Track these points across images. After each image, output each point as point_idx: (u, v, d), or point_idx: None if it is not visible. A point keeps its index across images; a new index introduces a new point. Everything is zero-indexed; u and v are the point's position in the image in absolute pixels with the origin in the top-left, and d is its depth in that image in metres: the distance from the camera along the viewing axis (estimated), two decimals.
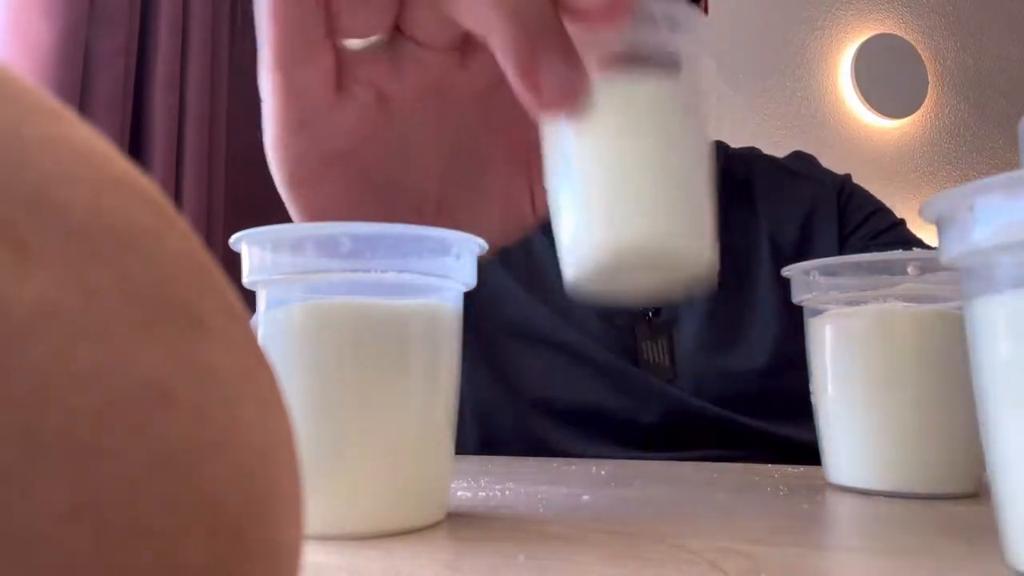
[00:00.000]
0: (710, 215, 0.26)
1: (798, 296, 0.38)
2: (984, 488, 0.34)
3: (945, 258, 0.22)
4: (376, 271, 0.26)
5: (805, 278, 0.38)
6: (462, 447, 0.59)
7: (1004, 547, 0.22)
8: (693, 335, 0.67)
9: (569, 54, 0.25)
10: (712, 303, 0.67)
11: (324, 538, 0.25)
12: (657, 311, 0.68)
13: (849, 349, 0.37)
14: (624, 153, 0.25)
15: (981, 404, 0.23)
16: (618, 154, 0.25)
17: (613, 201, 0.25)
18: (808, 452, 0.62)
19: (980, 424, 0.23)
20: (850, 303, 0.37)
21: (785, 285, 0.69)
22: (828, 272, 0.37)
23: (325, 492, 0.26)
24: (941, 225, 0.22)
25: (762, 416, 0.63)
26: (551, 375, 0.65)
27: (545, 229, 0.86)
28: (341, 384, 0.27)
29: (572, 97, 0.25)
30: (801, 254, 0.70)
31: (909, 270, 0.35)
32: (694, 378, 0.65)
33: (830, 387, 0.37)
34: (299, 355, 0.27)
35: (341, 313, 0.27)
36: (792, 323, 0.67)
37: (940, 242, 0.23)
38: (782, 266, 0.79)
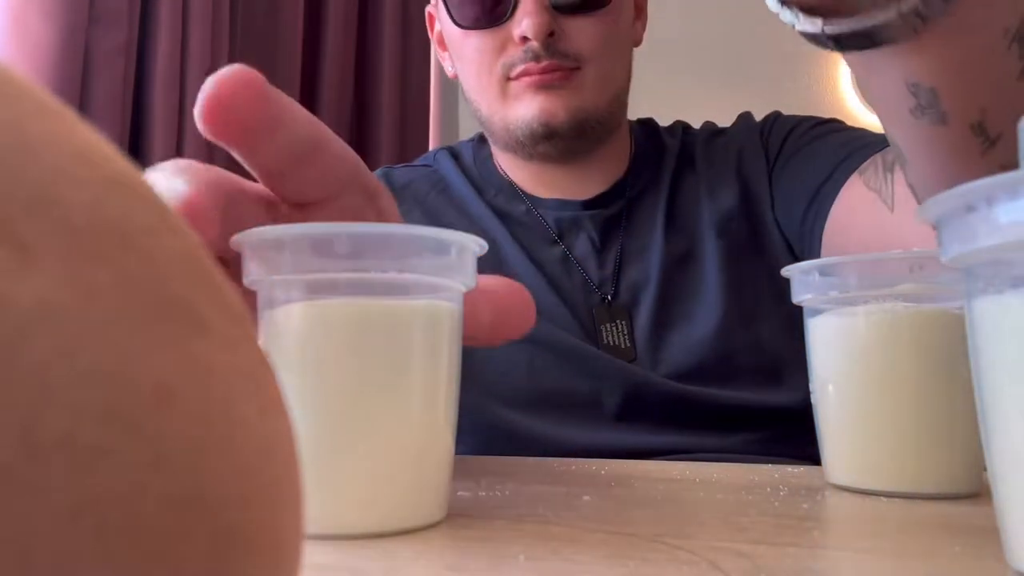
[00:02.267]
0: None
1: (798, 296, 0.38)
2: (984, 488, 0.34)
3: (945, 258, 0.22)
4: (376, 271, 0.26)
5: (804, 278, 0.38)
6: None
7: (1004, 547, 0.22)
8: (648, 314, 0.68)
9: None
10: (665, 282, 0.69)
11: (324, 538, 0.25)
12: (615, 294, 0.70)
13: (849, 349, 0.37)
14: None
15: (981, 404, 0.23)
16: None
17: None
18: (769, 416, 0.63)
19: (980, 424, 0.23)
20: (850, 303, 0.37)
21: (728, 250, 0.69)
22: (828, 272, 0.37)
23: (325, 491, 0.26)
24: (941, 225, 0.22)
25: (720, 385, 0.65)
26: (513, 364, 0.66)
27: (502, 217, 0.85)
28: (341, 384, 0.27)
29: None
30: (742, 214, 0.71)
31: (909, 270, 0.35)
32: (652, 355, 0.67)
33: (830, 387, 0.37)
34: (299, 355, 0.27)
35: (341, 313, 0.27)
36: (739, 289, 0.68)
37: (940, 242, 0.23)
38: (725, 230, 0.78)
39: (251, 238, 0.27)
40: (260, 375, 0.11)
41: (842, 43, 0.32)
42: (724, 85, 1.81)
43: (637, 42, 0.78)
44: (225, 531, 0.09)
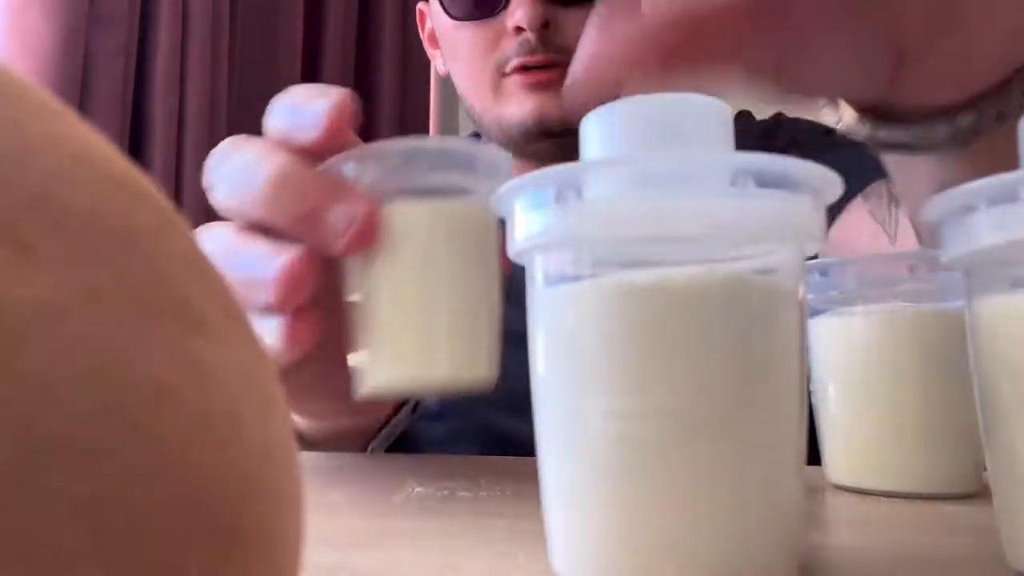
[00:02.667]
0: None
1: None
2: (984, 488, 0.34)
3: (945, 258, 0.22)
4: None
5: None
6: (419, 447, 0.59)
7: (1004, 547, 0.22)
8: None
9: (344, 197, 0.30)
10: None
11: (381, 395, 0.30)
12: None
13: (849, 349, 0.37)
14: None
15: (981, 404, 0.23)
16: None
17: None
18: None
19: (980, 424, 0.23)
20: (850, 303, 0.37)
21: None
22: (827, 272, 0.37)
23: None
24: (941, 225, 0.22)
25: None
26: (508, 368, 0.65)
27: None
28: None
29: (360, 231, 0.29)
30: None
31: (909, 270, 0.35)
32: None
33: (830, 387, 0.37)
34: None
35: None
36: None
37: (940, 242, 0.23)
38: None
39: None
40: (260, 375, 0.11)
41: (883, 145, 0.31)
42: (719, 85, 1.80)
43: None
44: (225, 531, 0.09)
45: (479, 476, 0.39)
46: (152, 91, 1.15)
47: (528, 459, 0.49)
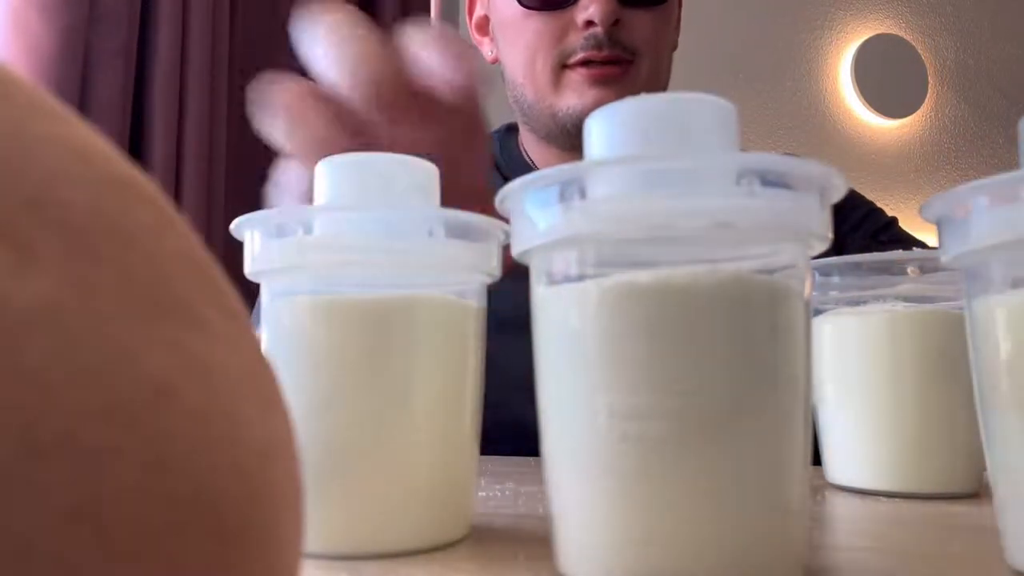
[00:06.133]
0: None
1: None
2: (984, 488, 0.34)
3: (945, 258, 0.22)
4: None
5: None
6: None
7: (1004, 547, 0.22)
8: None
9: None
10: None
11: (331, 557, 0.23)
12: None
13: (849, 349, 0.37)
14: None
15: (981, 404, 0.23)
16: None
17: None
18: None
19: (980, 424, 0.23)
20: (850, 303, 0.37)
21: None
22: (828, 272, 0.37)
23: (331, 505, 0.24)
24: (941, 225, 0.22)
25: None
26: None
27: None
28: (352, 383, 0.24)
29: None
30: None
31: (909, 270, 0.35)
32: None
33: (830, 387, 0.37)
34: (305, 351, 0.25)
35: (349, 306, 0.25)
36: None
37: (940, 242, 0.23)
38: None
39: (253, 223, 0.25)
40: (260, 374, 0.11)
41: None
42: (719, 84, 1.81)
43: (675, 47, 0.78)
44: (225, 530, 0.09)
45: (479, 476, 0.39)
46: (152, 91, 1.15)
47: (528, 459, 0.49)
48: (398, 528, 0.24)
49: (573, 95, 0.70)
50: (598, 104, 0.73)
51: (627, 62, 0.70)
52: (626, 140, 0.21)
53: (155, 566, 0.09)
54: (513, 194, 0.21)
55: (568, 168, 0.20)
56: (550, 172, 0.20)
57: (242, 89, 1.32)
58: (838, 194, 0.21)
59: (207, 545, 0.09)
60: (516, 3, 0.72)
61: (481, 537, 0.26)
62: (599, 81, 0.69)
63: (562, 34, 0.70)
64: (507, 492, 0.34)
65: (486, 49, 0.81)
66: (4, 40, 1.01)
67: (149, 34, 1.17)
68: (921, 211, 0.22)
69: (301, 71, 0.35)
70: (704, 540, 0.19)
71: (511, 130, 0.82)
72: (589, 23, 0.68)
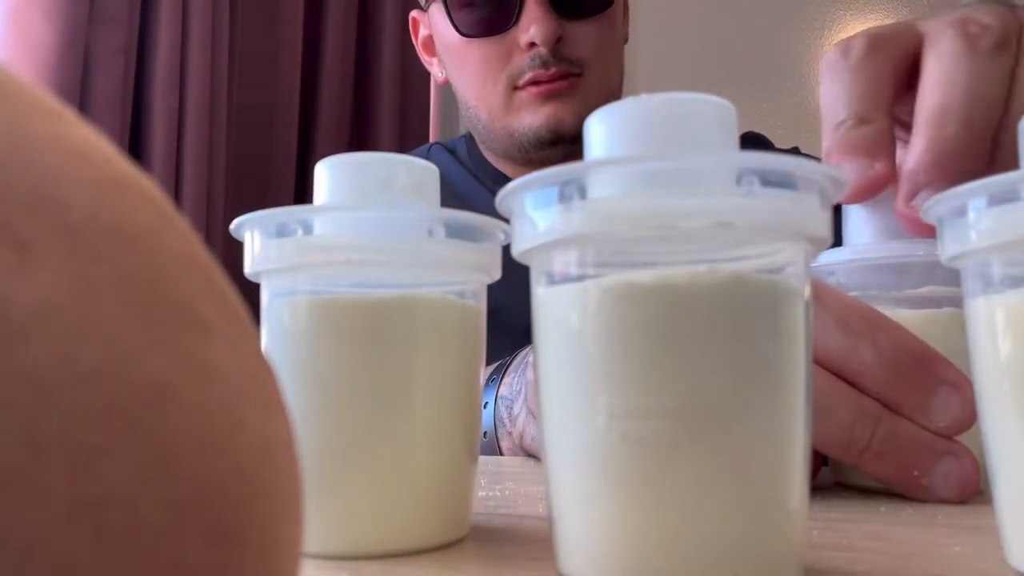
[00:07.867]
0: None
1: None
2: (984, 488, 0.34)
3: (945, 258, 0.22)
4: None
5: None
6: None
7: (1004, 547, 0.22)
8: None
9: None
10: None
11: (331, 557, 0.23)
12: None
13: None
14: None
15: (981, 404, 0.23)
16: None
17: None
18: None
19: (980, 424, 0.23)
20: None
21: None
22: (828, 272, 0.37)
23: (328, 507, 0.24)
24: (941, 225, 0.22)
25: None
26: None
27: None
28: (352, 383, 0.24)
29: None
30: None
31: (910, 271, 0.35)
32: None
33: None
34: (305, 351, 0.25)
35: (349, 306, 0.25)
36: None
37: (940, 242, 0.23)
38: None
39: (254, 223, 0.25)
40: (260, 374, 0.11)
41: None
42: (719, 84, 1.81)
43: (626, 38, 0.78)
44: (225, 531, 0.09)
45: (479, 476, 0.39)
46: (152, 91, 1.15)
47: (528, 459, 0.49)
48: (398, 528, 0.24)
49: (527, 114, 0.70)
50: (552, 119, 0.72)
51: (576, 75, 0.70)
52: (626, 140, 0.21)
53: (154, 567, 0.09)
54: (513, 194, 0.21)
55: (568, 168, 0.20)
56: (550, 172, 0.20)
57: (242, 89, 1.33)
58: (839, 194, 0.21)
59: (207, 546, 0.09)
60: (453, 31, 0.72)
61: (481, 537, 0.26)
62: (551, 96, 0.69)
63: (507, 57, 0.70)
64: (507, 492, 0.34)
65: (435, 70, 0.81)
66: (4, 40, 1.01)
67: (149, 34, 1.17)
68: (923, 212, 0.22)
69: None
70: (704, 540, 0.19)
71: (471, 140, 0.82)
72: (532, 44, 0.68)
